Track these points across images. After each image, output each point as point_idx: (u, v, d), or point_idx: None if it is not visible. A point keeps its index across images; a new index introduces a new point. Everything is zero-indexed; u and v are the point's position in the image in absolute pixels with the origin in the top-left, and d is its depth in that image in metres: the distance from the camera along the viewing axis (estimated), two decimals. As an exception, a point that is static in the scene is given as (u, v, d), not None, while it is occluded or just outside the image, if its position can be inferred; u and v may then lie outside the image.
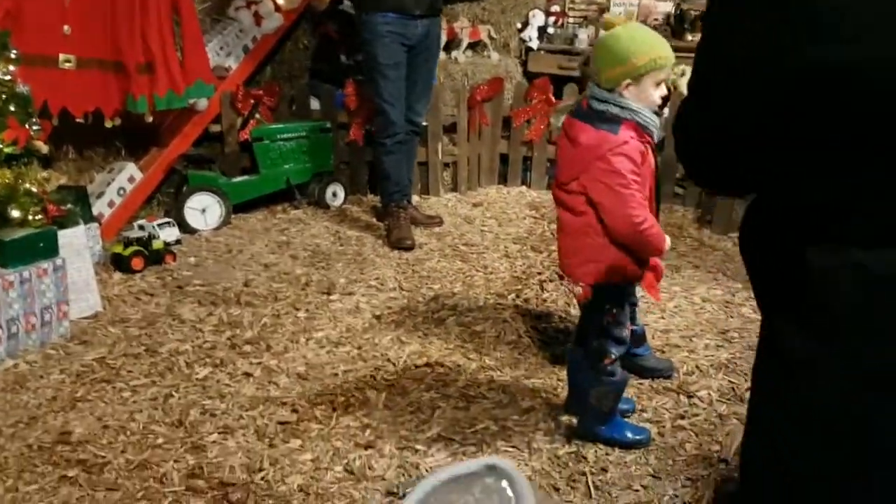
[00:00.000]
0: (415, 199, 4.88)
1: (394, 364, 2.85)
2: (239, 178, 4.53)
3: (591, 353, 2.34)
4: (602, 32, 2.32)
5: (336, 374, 2.79)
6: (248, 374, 2.79)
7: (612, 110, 2.18)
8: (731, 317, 3.22)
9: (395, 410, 2.55)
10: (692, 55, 1.15)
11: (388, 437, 2.40)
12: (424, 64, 4.08)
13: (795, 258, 1.04)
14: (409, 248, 3.97)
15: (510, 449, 2.35)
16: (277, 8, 4.79)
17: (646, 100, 2.22)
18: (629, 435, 2.37)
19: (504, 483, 0.87)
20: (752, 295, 3.34)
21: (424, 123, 4.84)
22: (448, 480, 0.86)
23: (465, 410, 2.54)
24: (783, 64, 0.97)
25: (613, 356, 2.33)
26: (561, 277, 3.56)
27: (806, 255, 1.03)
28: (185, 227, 4.13)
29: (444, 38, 4.85)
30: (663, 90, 2.24)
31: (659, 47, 2.18)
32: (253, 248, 4.02)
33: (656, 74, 2.19)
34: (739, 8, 1.03)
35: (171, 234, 3.90)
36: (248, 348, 2.98)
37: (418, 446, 2.35)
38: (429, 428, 2.44)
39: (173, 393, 2.66)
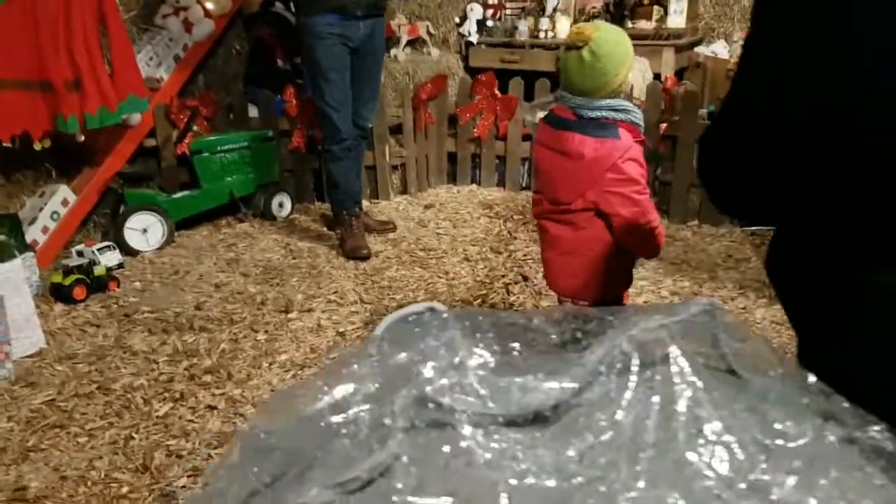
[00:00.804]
0: (365, 204, 4.75)
1: (365, 385, 2.72)
2: (179, 194, 4.33)
3: None
4: (566, 50, 2.14)
5: (305, 400, 2.65)
6: (211, 407, 2.63)
7: (607, 115, 2.04)
8: (702, 309, 3.18)
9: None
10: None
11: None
12: (370, 66, 3.93)
13: (855, 282, 0.96)
14: (366, 258, 3.84)
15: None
16: (207, 13, 4.58)
17: (625, 91, 2.13)
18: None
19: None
20: (720, 285, 3.29)
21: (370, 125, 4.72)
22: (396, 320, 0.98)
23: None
24: (828, 84, 0.89)
25: None
26: (525, 279, 3.50)
27: (873, 276, 0.95)
28: (125, 250, 3.93)
29: (383, 37, 4.72)
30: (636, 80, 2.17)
31: (626, 39, 2.09)
32: (201, 268, 3.83)
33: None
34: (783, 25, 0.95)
35: (112, 258, 3.70)
36: (208, 378, 2.82)
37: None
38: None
39: (133, 434, 2.49)
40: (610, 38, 2.01)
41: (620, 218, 2.02)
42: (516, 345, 0.86)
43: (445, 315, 0.90)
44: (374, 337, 0.90)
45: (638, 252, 2.17)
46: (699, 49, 5.17)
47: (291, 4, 5.09)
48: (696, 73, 5.05)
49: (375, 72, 4.03)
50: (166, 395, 2.71)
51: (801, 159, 0.97)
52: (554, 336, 0.88)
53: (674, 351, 0.81)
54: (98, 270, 3.54)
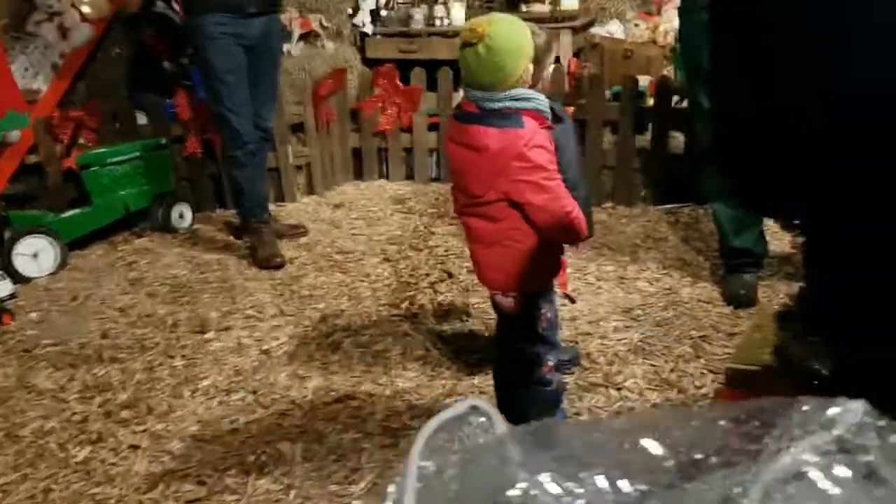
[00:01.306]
0: (271, 207, 4.56)
1: (299, 406, 2.58)
2: (70, 213, 4.04)
3: (525, 366, 2.18)
4: (462, 47, 2.07)
5: (236, 429, 2.49)
6: (134, 447, 2.43)
7: (509, 105, 2.00)
8: (630, 293, 3.16)
9: (316, 462, 2.29)
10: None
11: (317, 496, 2.15)
12: (267, 65, 3.74)
13: None
14: (280, 266, 3.67)
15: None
16: (84, 18, 4.29)
17: (540, 80, 2.08)
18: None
19: (484, 419, 0.83)
20: (643, 266, 3.30)
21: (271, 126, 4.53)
22: (438, 428, 0.82)
23: (393, 448, 2.32)
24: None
25: (551, 363, 2.19)
26: (451, 276, 3.42)
27: None
28: (16, 278, 3.64)
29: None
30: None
31: (524, 30, 2.03)
32: (102, 291, 3.58)
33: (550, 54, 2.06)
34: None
35: (3, 288, 3.43)
36: (125, 414, 2.61)
37: (355, 502, 2.12)
38: (360, 477, 2.20)
39: (52, 486, 2.27)
40: (503, 32, 1.96)
41: (532, 206, 1.99)
42: (603, 480, 0.70)
43: (494, 421, 0.78)
44: (409, 461, 0.76)
45: (560, 240, 2.13)
46: (595, 30, 5.19)
47: (173, 2, 4.83)
48: (593, 54, 5.06)
49: (273, 71, 3.85)
50: (82, 437, 2.50)
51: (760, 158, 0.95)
52: (664, 461, 0.73)
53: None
54: (-12, 304, 3.26)
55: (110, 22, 4.49)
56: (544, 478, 0.69)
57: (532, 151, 1.96)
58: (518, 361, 2.21)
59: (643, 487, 0.69)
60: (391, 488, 0.73)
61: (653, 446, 0.71)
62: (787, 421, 0.69)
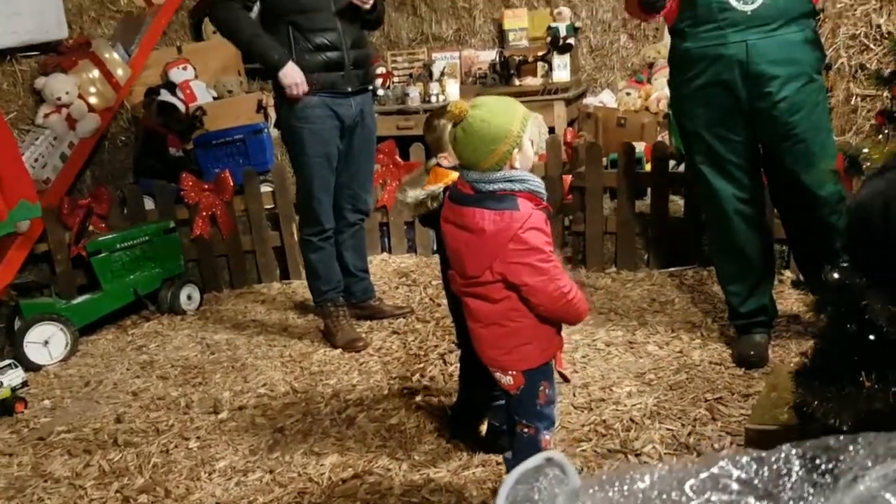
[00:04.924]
0: (276, 285, 4.63)
1: (317, 483, 2.58)
2: (80, 299, 4.08)
3: (525, 444, 2.19)
4: (447, 124, 2.14)
5: (256, 509, 2.49)
6: (154, 531, 2.43)
7: (504, 186, 2.04)
8: (641, 357, 3.19)
9: (338, 539, 2.29)
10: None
11: (341, 573, 2.14)
12: (364, 144, 3.68)
13: None
14: (362, 349, 3.56)
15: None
16: (91, 108, 4.41)
17: (529, 161, 2.13)
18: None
19: (559, 471, 0.86)
20: (653, 331, 3.32)
21: (270, 206, 4.61)
22: (517, 481, 0.86)
23: (414, 522, 2.32)
24: None
25: (548, 439, 2.21)
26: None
27: None
28: (27, 366, 3.66)
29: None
30: (535, 142, 2.15)
31: (516, 104, 2.09)
32: (113, 376, 3.60)
33: (530, 131, 2.09)
34: None
35: (15, 377, 3.43)
36: (143, 499, 2.61)
37: (380, 578, 2.11)
38: (384, 552, 2.20)
39: (72, 575, 2.27)
40: (483, 116, 2.00)
41: (528, 287, 2.02)
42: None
43: (569, 472, 0.81)
44: None
45: (556, 319, 2.14)
46: (588, 100, 5.32)
47: (177, 90, 4.97)
48: (588, 124, 5.18)
49: (370, 151, 3.78)
50: (101, 524, 2.50)
51: None
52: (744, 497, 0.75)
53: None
54: (2, 393, 3.27)
55: (116, 111, 4.61)
56: None
57: (528, 234, 1.99)
58: (515, 436, 2.23)
59: None
60: None
61: (733, 485, 0.75)
62: (854, 455, 0.72)
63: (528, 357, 2.11)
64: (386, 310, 3.91)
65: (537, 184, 2.07)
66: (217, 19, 3.38)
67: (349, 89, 3.48)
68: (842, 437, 0.74)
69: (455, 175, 2.25)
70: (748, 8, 2.69)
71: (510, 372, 2.13)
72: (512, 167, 2.03)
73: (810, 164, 2.78)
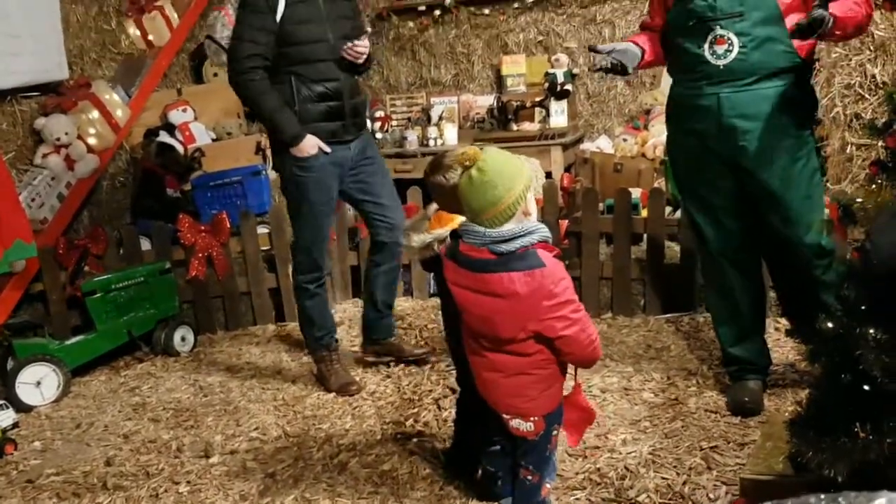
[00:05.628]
0: (272, 327, 4.61)
1: (308, 530, 2.55)
2: (73, 340, 4.06)
3: (528, 492, 2.17)
4: (455, 175, 2.16)
5: (245, 556, 2.45)
6: (141, 579, 2.39)
7: (523, 243, 2.04)
8: (636, 404, 3.16)
9: (327, 588, 2.25)
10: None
11: None
12: (378, 171, 3.68)
13: None
14: (356, 392, 3.54)
15: None
16: (90, 149, 4.43)
17: (534, 209, 2.14)
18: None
19: None
20: (648, 378, 3.30)
21: (266, 248, 4.61)
22: None
23: (406, 571, 2.28)
24: None
25: (549, 488, 2.20)
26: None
27: None
28: (18, 407, 3.62)
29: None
30: (533, 187, 2.18)
31: (517, 159, 2.12)
32: (105, 418, 3.57)
33: (532, 186, 2.12)
34: None
35: (6, 418, 3.41)
36: (131, 544, 2.57)
37: None
38: None
39: None
40: (497, 158, 2.05)
41: (564, 339, 2.06)
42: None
43: None
44: None
45: (581, 364, 2.19)
46: (585, 146, 5.36)
47: (176, 132, 5.00)
48: (584, 169, 5.22)
49: (383, 171, 3.75)
50: (87, 570, 2.45)
51: None
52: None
53: None
54: (-9, 435, 3.24)
55: (115, 151, 4.63)
56: None
57: (558, 287, 2.03)
58: (517, 482, 2.21)
59: None
60: None
61: None
62: None
63: (550, 400, 2.15)
64: (406, 350, 3.85)
65: (546, 231, 2.09)
66: (238, 84, 3.35)
67: (348, 138, 3.50)
68: (822, 496, 0.73)
69: (460, 218, 2.25)
70: (720, 63, 2.71)
71: (532, 418, 2.14)
72: (526, 214, 2.05)
73: (787, 219, 2.77)
